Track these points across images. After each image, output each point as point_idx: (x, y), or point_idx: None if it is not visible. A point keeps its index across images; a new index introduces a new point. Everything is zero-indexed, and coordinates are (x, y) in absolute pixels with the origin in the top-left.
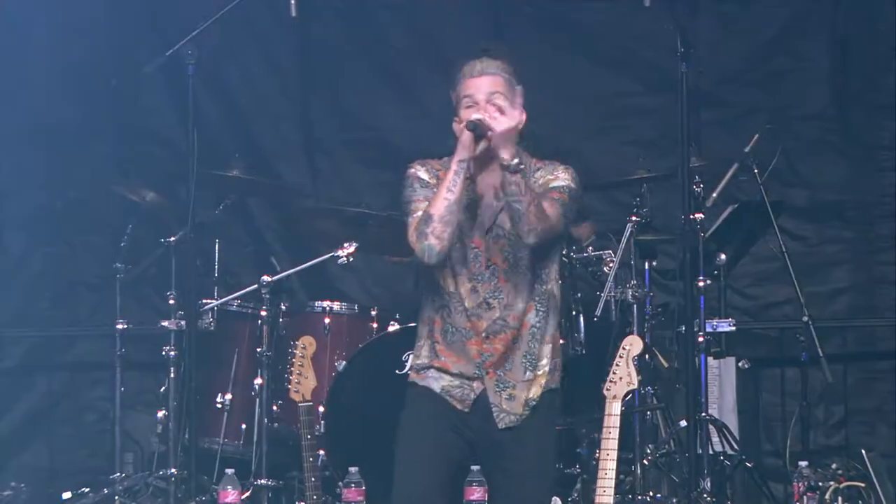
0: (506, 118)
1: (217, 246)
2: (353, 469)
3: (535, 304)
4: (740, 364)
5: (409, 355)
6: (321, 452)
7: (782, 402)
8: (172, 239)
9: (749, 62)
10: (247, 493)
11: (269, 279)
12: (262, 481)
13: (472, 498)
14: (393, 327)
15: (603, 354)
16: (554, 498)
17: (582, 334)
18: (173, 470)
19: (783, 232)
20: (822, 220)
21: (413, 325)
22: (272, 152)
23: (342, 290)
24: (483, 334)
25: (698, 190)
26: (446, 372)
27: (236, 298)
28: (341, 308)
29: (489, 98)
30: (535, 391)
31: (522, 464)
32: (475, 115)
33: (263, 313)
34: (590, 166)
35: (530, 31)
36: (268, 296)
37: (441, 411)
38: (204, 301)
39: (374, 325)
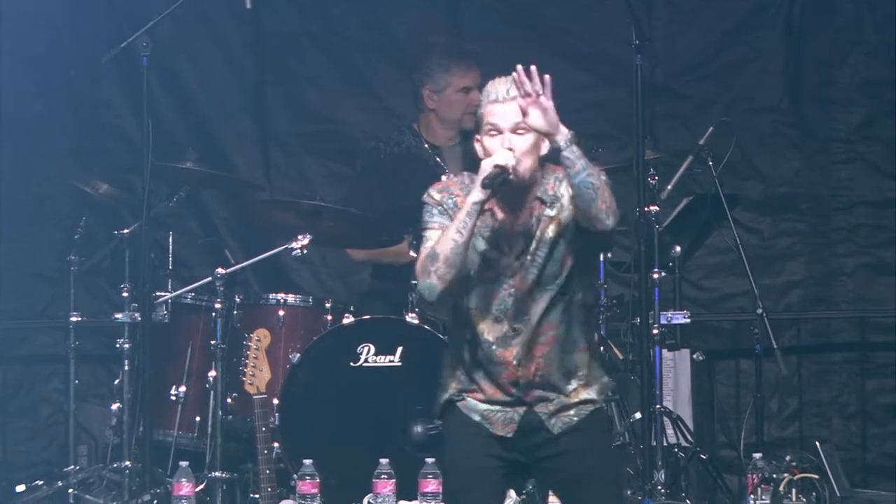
0: (524, 154)
1: (171, 238)
2: (307, 461)
3: (562, 316)
4: (695, 356)
5: (364, 347)
6: (275, 445)
7: (737, 394)
8: (126, 231)
9: (704, 55)
10: (201, 486)
11: (224, 271)
12: (217, 474)
13: (426, 490)
14: (347, 319)
15: None
16: (509, 491)
17: None
18: (128, 462)
19: (738, 224)
20: (776, 213)
21: (367, 317)
22: (226, 144)
23: (296, 282)
24: (515, 362)
25: (653, 182)
26: (482, 401)
27: (190, 291)
28: (296, 300)
29: (515, 127)
30: (577, 403)
31: (585, 465)
32: (496, 161)
33: (218, 306)
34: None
35: (487, 23)
36: (222, 288)
37: (481, 445)
38: (158, 293)
39: (329, 318)
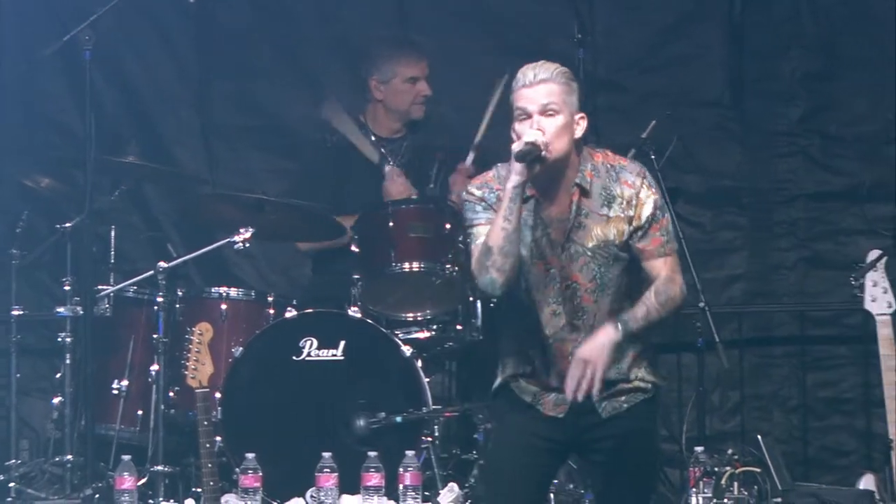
0: (554, 136)
1: (113, 232)
2: (249, 455)
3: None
4: None
5: (306, 341)
6: (218, 438)
7: (679, 388)
8: (68, 225)
9: (646, 48)
10: (143, 480)
11: (166, 265)
12: (159, 467)
13: (369, 484)
14: (290, 313)
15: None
16: (450, 483)
17: (479, 320)
18: (69, 456)
19: (680, 218)
20: (718, 207)
21: (310, 310)
22: (169, 138)
23: (239, 276)
24: (569, 358)
25: None
26: (536, 386)
27: (132, 284)
28: (238, 294)
29: (543, 109)
30: (630, 390)
31: (626, 452)
32: (526, 139)
33: (160, 299)
34: (492, 151)
35: (434, 15)
36: (164, 282)
37: (530, 425)
38: (100, 287)
39: (271, 311)
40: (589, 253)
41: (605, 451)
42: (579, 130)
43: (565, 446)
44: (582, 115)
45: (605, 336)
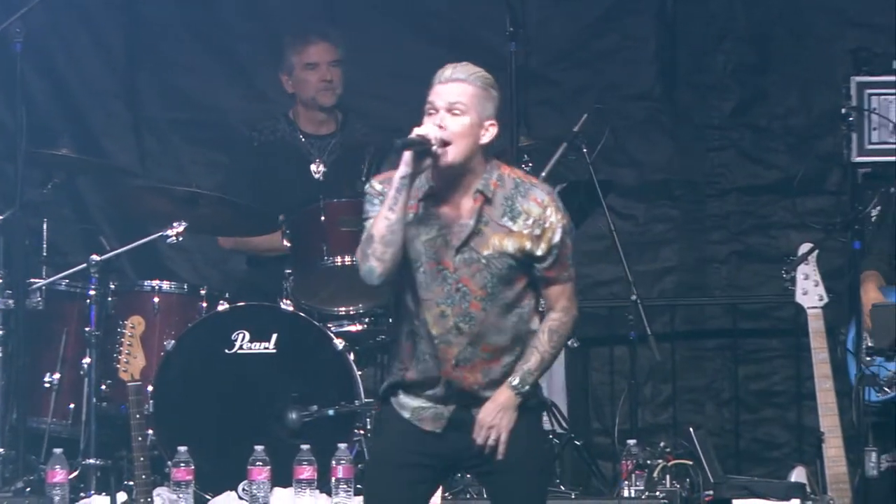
0: (456, 135)
1: (45, 225)
2: (181, 448)
3: (512, 340)
4: (569, 343)
5: (239, 334)
6: (150, 432)
7: (611, 381)
8: (0, 218)
9: (578, 41)
10: (75, 473)
11: (98, 258)
12: (91, 461)
13: (301, 477)
14: (222, 307)
15: None
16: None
17: None
18: (1, 450)
19: (612, 211)
20: (650, 200)
21: (242, 304)
22: (99, 131)
23: (171, 269)
24: (453, 361)
25: (527, 169)
26: (416, 396)
27: (65, 277)
28: (170, 287)
29: (450, 107)
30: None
31: (510, 460)
32: (417, 130)
33: (92, 292)
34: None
35: (363, 9)
36: (96, 275)
37: (409, 442)
38: (32, 280)
39: (204, 305)
40: (483, 261)
41: (489, 462)
42: (486, 137)
43: (446, 462)
44: (493, 122)
45: (506, 399)
